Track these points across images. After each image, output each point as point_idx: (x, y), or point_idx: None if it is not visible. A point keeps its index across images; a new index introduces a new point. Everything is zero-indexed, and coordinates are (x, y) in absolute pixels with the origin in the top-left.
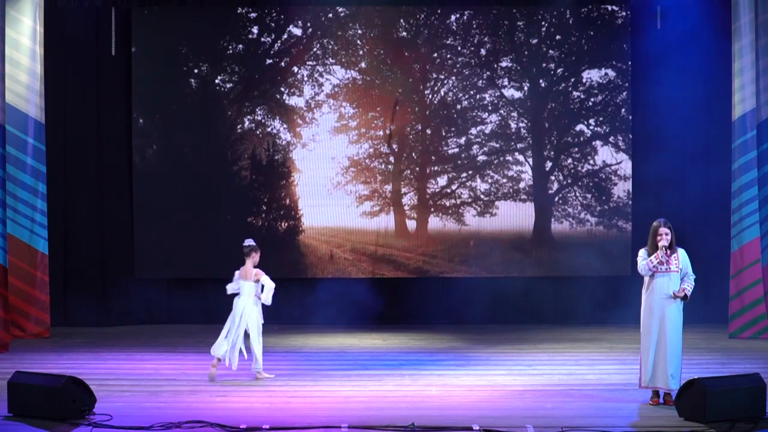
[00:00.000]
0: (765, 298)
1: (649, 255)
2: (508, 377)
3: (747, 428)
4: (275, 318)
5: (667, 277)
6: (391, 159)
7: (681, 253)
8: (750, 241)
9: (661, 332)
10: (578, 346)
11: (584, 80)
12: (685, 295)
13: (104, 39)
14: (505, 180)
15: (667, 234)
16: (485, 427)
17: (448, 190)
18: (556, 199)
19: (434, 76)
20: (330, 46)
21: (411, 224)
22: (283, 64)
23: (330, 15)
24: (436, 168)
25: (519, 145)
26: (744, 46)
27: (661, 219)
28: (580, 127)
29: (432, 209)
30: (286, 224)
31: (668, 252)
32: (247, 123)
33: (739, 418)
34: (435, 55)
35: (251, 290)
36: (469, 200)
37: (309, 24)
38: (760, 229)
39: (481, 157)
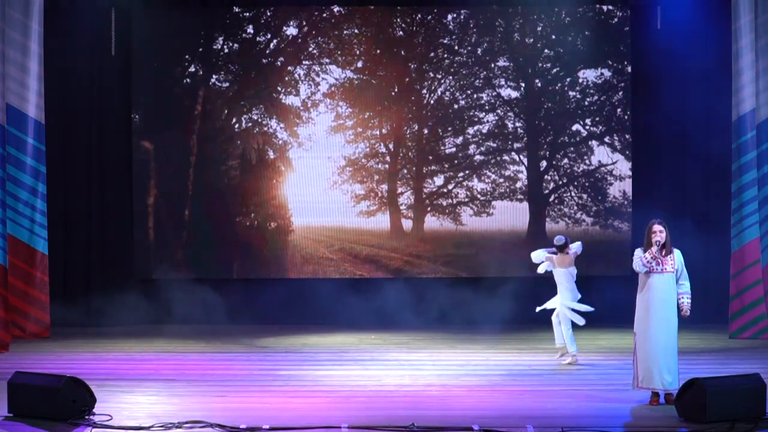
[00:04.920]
0: (765, 298)
1: (645, 252)
2: (508, 377)
3: (747, 428)
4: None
5: (662, 277)
6: (388, 158)
7: (677, 254)
8: (750, 242)
9: (657, 332)
10: (578, 347)
11: (580, 80)
12: (685, 314)
13: (104, 39)
14: (502, 180)
15: (661, 231)
16: (485, 427)
17: (445, 190)
18: (552, 198)
19: (431, 75)
20: (326, 46)
21: (407, 224)
22: (279, 63)
23: (325, 14)
24: (433, 167)
25: (516, 145)
26: (744, 46)
27: (655, 218)
28: (576, 127)
29: (429, 209)
30: (276, 224)
31: (663, 252)
32: (244, 122)
33: (739, 418)
34: (432, 54)
35: (563, 279)
36: (466, 200)
37: (305, 23)
38: (759, 230)
39: (477, 157)
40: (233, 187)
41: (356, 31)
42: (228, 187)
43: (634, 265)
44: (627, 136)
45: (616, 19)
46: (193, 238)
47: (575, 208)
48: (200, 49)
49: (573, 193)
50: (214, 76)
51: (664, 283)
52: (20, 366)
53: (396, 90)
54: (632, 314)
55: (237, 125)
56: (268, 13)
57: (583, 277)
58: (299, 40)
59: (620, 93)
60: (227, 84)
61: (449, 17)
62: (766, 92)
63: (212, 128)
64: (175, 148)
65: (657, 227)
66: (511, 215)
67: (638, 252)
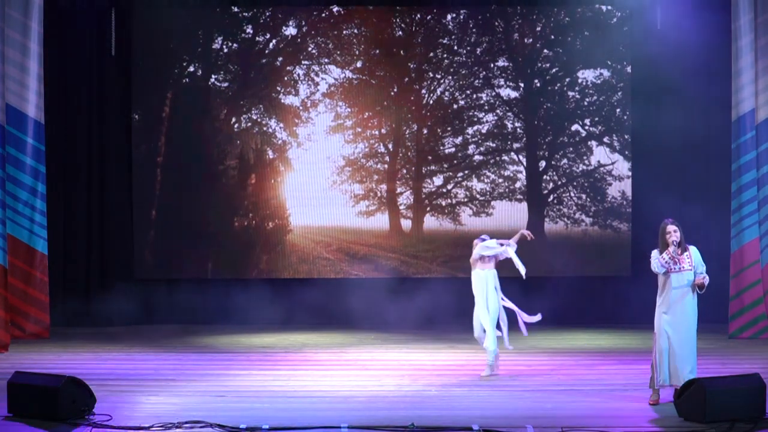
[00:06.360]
0: (765, 298)
1: (661, 253)
2: (508, 377)
3: (747, 428)
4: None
5: (680, 275)
6: (387, 158)
7: (693, 251)
8: (750, 242)
9: (677, 330)
10: (578, 347)
11: (580, 80)
12: (702, 284)
13: (104, 39)
14: (501, 180)
15: (675, 231)
16: (485, 427)
17: (444, 190)
18: (551, 198)
19: (430, 75)
20: (325, 46)
21: (406, 224)
22: (278, 63)
23: (324, 14)
24: (432, 168)
25: (515, 145)
26: (744, 46)
27: (668, 219)
28: (575, 127)
29: (428, 209)
30: (274, 224)
31: (679, 251)
32: (243, 122)
33: (739, 418)
34: (431, 54)
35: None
36: (465, 200)
37: (304, 23)
38: (759, 230)
39: (477, 157)
40: (232, 187)
41: (355, 31)
42: (227, 186)
43: (652, 267)
44: (626, 137)
45: (615, 19)
46: (192, 238)
47: (574, 208)
48: (199, 49)
49: (572, 194)
50: (213, 76)
51: (682, 281)
52: (20, 366)
53: (395, 90)
54: (631, 314)
55: (236, 125)
56: (267, 13)
57: (583, 277)
58: (298, 40)
59: (619, 93)
60: (226, 84)
61: (448, 17)
62: (766, 92)
63: (211, 128)
64: (175, 147)
65: (671, 227)
66: (510, 215)
67: (655, 253)
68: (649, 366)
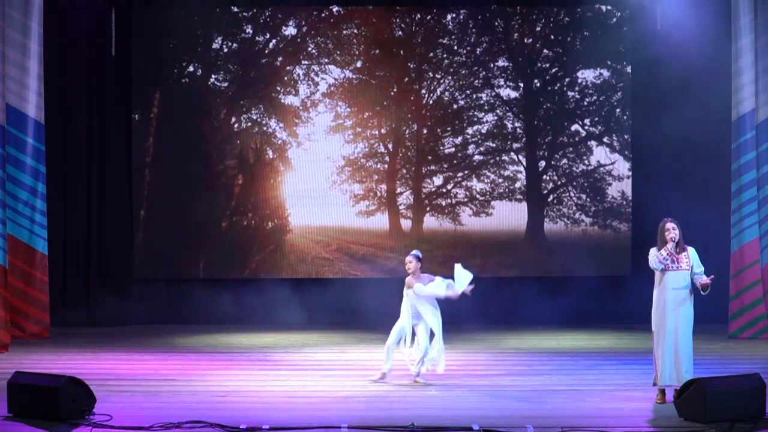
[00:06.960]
0: (765, 298)
1: (659, 250)
2: (508, 377)
3: (747, 428)
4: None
5: (677, 274)
6: (387, 158)
7: (691, 251)
8: (750, 242)
9: (675, 329)
10: (578, 347)
11: (579, 80)
12: (707, 284)
13: (104, 39)
14: (501, 180)
15: (674, 229)
16: (485, 427)
17: (444, 190)
18: (551, 198)
19: (430, 75)
20: (325, 46)
21: (406, 224)
22: (278, 63)
23: (324, 14)
24: (432, 168)
25: (515, 145)
26: (744, 46)
27: (667, 218)
28: (575, 127)
29: (428, 209)
30: (273, 224)
31: (677, 250)
32: (243, 122)
33: (739, 418)
34: (431, 54)
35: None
36: (465, 200)
37: (304, 23)
38: (759, 230)
39: (477, 157)
40: (231, 187)
41: (355, 31)
42: (226, 186)
43: (650, 264)
44: (626, 137)
45: (615, 19)
46: (192, 238)
47: (574, 208)
48: (199, 49)
49: (572, 194)
50: (213, 76)
51: (679, 280)
52: (20, 366)
53: (395, 90)
54: (631, 314)
55: (236, 125)
56: (267, 13)
57: (582, 277)
58: (298, 40)
59: (619, 93)
60: (226, 84)
61: (448, 17)
62: (766, 92)
63: (211, 128)
64: (175, 147)
65: (670, 225)
66: (510, 215)
67: (653, 251)
68: (651, 366)
